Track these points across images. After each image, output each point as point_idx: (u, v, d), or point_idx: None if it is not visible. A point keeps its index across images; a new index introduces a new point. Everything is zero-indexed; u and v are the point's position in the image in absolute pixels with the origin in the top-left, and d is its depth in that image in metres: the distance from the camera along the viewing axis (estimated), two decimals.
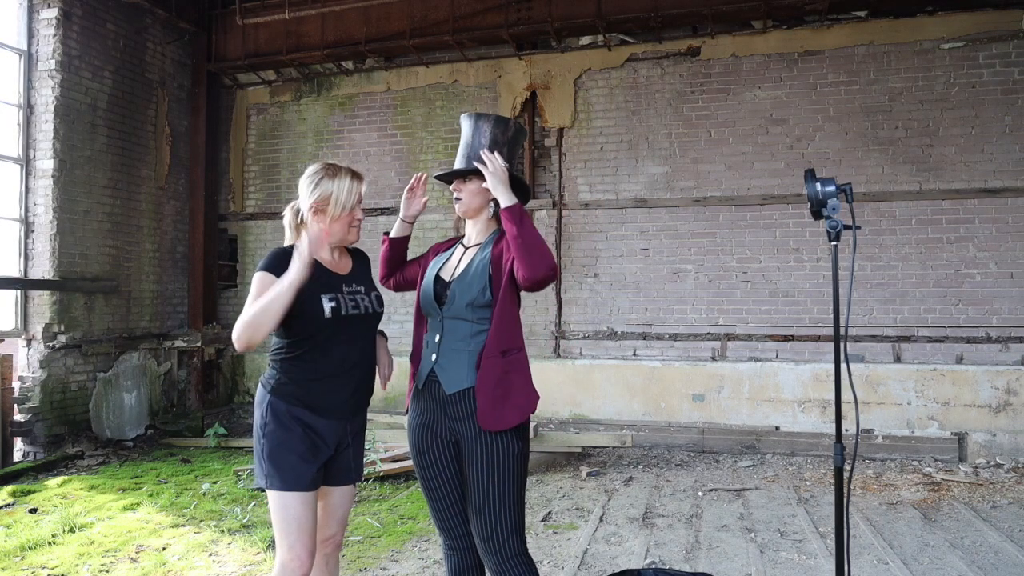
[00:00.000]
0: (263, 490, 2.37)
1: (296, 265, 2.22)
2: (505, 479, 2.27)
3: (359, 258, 2.62)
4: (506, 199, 2.30)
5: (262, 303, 2.20)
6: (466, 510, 2.37)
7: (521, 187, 2.46)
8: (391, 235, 2.69)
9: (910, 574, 3.73)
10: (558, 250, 7.72)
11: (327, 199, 2.39)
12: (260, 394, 2.40)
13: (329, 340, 2.35)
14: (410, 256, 2.75)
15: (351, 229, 2.46)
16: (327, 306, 2.33)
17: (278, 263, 2.32)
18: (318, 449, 2.34)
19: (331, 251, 2.49)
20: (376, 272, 2.67)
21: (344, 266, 2.51)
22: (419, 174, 2.68)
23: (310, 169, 2.46)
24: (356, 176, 2.45)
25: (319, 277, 2.37)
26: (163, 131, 8.07)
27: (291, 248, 2.39)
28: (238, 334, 2.22)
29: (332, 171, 2.43)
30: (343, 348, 2.38)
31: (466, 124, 2.51)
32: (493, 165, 2.34)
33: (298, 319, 2.32)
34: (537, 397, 2.38)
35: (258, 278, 2.32)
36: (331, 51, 8.01)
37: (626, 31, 7.57)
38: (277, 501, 2.30)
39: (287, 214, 2.51)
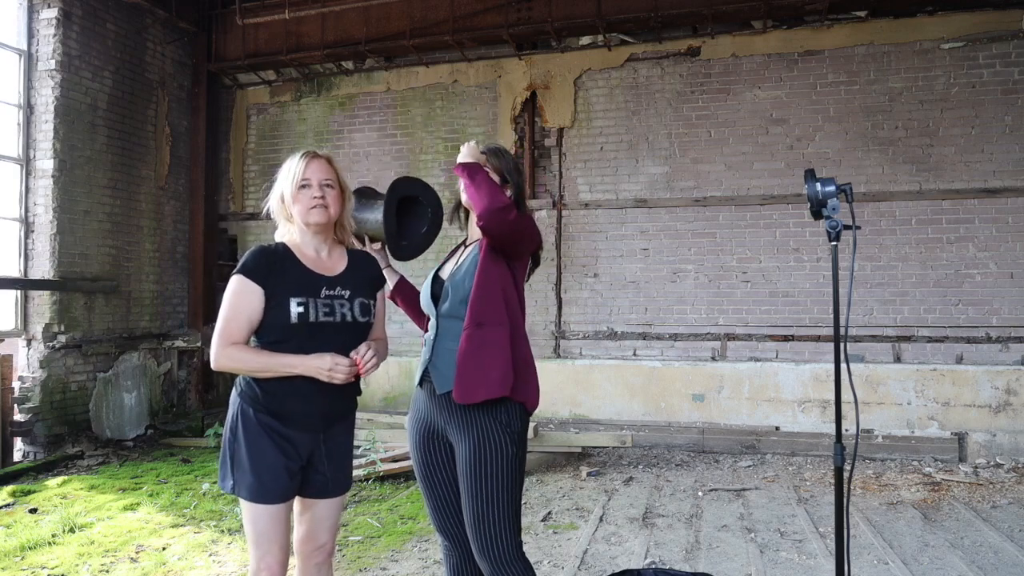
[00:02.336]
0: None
1: (313, 366, 2.16)
2: (498, 483, 2.21)
3: (357, 260, 2.42)
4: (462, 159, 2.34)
5: (259, 361, 2.18)
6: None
7: None
8: (389, 292, 2.61)
9: (910, 574, 3.73)
10: (558, 250, 7.71)
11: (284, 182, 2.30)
12: (232, 396, 2.32)
13: (299, 347, 2.19)
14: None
15: (310, 211, 2.26)
16: (294, 310, 2.17)
17: (256, 265, 2.20)
18: (288, 459, 2.22)
19: (317, 249, 2.32)
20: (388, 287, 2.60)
21: (332, 266, 2.33)
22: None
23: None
24: (308, 154, 2.31)
25: (294, 277, 2.24)
26: (163, 131, 8.07)
27: (278, 246, 2.30)
28: (221, 362, 2.19)
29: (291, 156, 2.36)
30: None
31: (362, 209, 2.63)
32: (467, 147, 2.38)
33: (264, 321, 2.21)
34: (524, 382, 2.27)
35: (235, 282, 2.19)
36: (331, 51, 8.00)
37: (626, 31, 7.57)
38: (247, 511, 2.24)
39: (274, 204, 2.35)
